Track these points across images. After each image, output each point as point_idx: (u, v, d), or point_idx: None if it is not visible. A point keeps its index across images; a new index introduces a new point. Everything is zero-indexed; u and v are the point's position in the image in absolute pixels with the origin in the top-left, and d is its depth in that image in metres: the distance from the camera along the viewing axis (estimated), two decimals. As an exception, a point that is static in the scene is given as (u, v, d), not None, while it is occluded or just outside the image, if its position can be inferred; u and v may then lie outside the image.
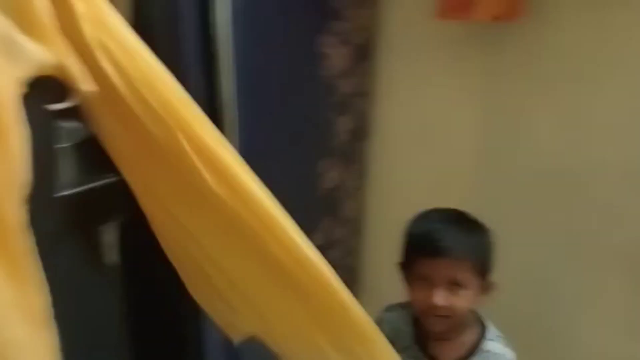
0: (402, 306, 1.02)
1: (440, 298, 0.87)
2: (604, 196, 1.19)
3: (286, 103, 1.16)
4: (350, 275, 1.62)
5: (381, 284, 1.72)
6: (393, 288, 1.66)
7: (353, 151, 1.46)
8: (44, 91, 0.61)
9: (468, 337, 0.95)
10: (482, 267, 0.91)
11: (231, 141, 0.75)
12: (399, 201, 1.59)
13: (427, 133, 1.44)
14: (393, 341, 0.92)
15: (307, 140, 1.27)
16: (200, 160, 0.65)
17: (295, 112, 1.20)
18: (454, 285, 0.88)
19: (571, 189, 1.24)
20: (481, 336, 0.95)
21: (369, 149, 1.53)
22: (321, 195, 1.38)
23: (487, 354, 0.93)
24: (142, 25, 0.73)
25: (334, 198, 1.44)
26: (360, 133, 1.47)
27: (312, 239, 1.37)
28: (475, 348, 0.94)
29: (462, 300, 0.88)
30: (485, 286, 0.93)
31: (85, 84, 0.63)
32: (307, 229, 1.38)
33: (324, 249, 1.42)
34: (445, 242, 0.88)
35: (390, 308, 1.04)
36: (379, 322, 0.95)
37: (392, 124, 1.50)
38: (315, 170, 1.34)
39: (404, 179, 1.56)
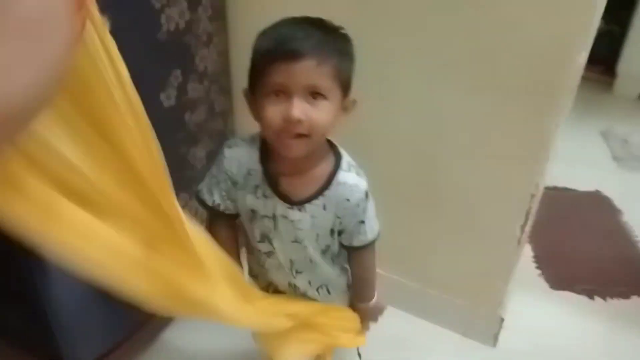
0: (247, 141, 0.86)
1: (298, 109, 0.72)
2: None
3: None
4: (219, 141, 1.37)
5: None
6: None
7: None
8: None
9: (321, 170, 0.84)
10: (344, 76, 0.77)
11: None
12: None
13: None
14: (240, 181, 0.85)
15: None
16: None
17: None
18: (314, 95, 0.74)
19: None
20: (335, 167, 0.84)
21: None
22: (164, 40, 1.07)
23: (342, 186, 0.83)
24: None
25: (182, 45, 1.13)
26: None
27: (162, 97, 1.11)
28: (329, 181, 0.83)
29: (322, 114, 0.74)
30: (346, 104, 0.80)
31: None
32: (154, 85, 1.10)
33: (181, 110, 1.18)
34: (304, 42, 0.72)
35: (231, 144, 0.87)
36: (220, 166, 0.86)
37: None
38: (148, 3, 1.01)
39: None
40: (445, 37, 1.08)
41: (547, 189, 2.08)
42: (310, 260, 0.91)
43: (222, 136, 1.38)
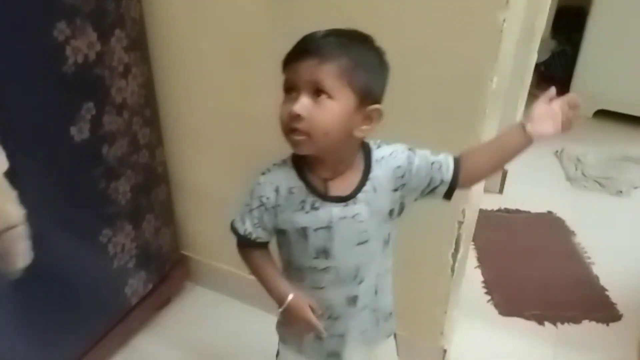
0: (279, 164, 0.87)
1: (300, 105, 0.74)
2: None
3: None
4: (146, 174, 1.33)
5: (194, 176, 1.47)
6: (211, 178, 1.41)
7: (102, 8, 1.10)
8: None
9: (358, 162, 0.85)
10: (359, 82, 0.76)
11: None
12: (193, 70, 1.29)
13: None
14: (282, 203, 0.84)
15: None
16: None
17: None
18: (319, 92, 0.74)
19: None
20: (367, 151, 0.85)
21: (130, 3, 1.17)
22: (71, 73, 1.04)
23: (384, 160, 0.85)
24: None
25: (94, 77, 1.10)
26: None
27: (73, 131, 1.07)
28: (367, 165, 0.84)
29: (325, 113, 0.74)
30: (368, 112, 0.78)
31: None
32: (62, 118, 1.06)
33: (96, 143, 1.14)
34: (313, 42, 0.75)
35: (265, 170, 0.87)
36: (253, 194, 0.86)
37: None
38: (48, 36, 0.98)
39: (194, 45, 1.26)
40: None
41: (499, 211, 2.08)
42: (374, 258, 0.90)
43: (149, 169, 1.33)
